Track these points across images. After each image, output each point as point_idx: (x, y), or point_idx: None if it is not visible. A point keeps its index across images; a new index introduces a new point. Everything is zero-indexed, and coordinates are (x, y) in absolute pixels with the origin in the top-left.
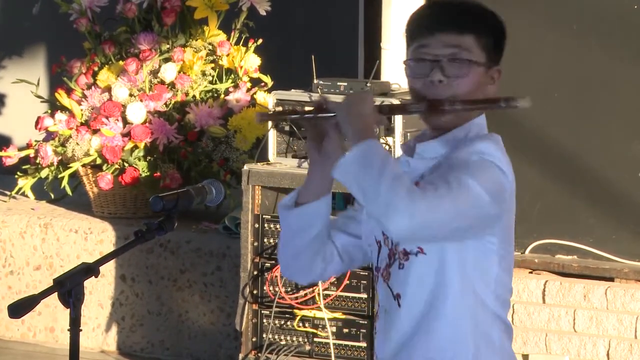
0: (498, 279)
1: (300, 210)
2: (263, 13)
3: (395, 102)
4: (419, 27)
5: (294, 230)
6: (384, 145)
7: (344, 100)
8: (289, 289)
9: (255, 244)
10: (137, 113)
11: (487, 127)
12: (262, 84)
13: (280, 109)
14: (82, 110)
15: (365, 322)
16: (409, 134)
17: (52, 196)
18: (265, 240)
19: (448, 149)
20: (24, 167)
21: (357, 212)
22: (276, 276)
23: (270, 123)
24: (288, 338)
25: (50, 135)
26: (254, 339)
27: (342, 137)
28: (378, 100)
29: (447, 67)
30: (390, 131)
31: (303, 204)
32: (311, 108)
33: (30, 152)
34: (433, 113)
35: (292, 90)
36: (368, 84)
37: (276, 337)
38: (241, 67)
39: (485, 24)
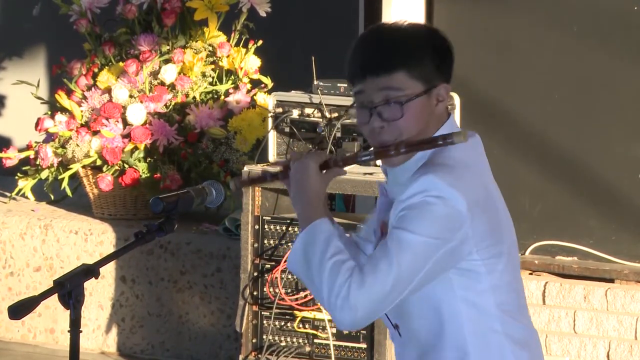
0: (495, 289)
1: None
2: (263, 14)
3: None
4: (353, 72)
5: None
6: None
7: (291, 171)
8: (289, 291)
9: (256, 245)
10: (137, 114)
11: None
12: (262, 85)
13: (280, 110)
14: (82, 111)
15: None
16: None
17: (52, 197)
18: (266, 241)
19: (407, 178)
20: (24, 168)
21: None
22: (276, 277)
23: (270, 124)
24: (288, 339)
25: (50, 137)
26: (254, 340)
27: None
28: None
29: (384, 111)
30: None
31: None
32: (277, 170)
33: (31, 154)
34: (381, 159)
35: (292, 91)
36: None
37: (276, 338)
38: (241, 69)
39: (414, 54)
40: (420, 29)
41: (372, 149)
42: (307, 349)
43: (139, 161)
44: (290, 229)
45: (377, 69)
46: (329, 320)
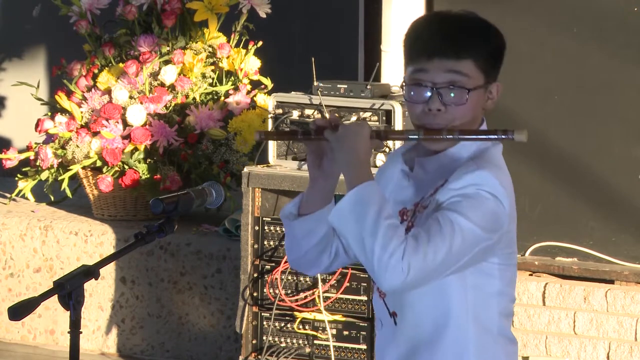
0: (502, 294)
1: (303, 220)
2: (263, 15)
3: (386, 108)
4: (417, 50)
5: (298, 237)
6: (385, 148)
7: (340, 131)
8: (289, 291)
9: (256, 246)
10: (137, 115)
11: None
12: (262, 86)
13: (280, 111)
14: (82, 112)
15: (366, 325)
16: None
17: (52, 198)
18: (266, 242)
19: (447, 166)
20: (24, 169)
21: None
22: (276, 278)
23: (270, 125)
24: (288, 340)
25: (50, 138)
26: (254, 341)
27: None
28: (375, 126)
29: (446, 95)
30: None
31: (306, 214)
32: (309, 129)
33: (30, 155)
34: (430, 141)
35: (292, 92)
36: (368, 86)
37: (276, 339)
38: (241, 70)
39: (484, 46)
40: (489, 24)
41: (419, 129)
42: (307, 350)
43: (139, 162)
44: None
45: (447, 51)
46: (329, 322)
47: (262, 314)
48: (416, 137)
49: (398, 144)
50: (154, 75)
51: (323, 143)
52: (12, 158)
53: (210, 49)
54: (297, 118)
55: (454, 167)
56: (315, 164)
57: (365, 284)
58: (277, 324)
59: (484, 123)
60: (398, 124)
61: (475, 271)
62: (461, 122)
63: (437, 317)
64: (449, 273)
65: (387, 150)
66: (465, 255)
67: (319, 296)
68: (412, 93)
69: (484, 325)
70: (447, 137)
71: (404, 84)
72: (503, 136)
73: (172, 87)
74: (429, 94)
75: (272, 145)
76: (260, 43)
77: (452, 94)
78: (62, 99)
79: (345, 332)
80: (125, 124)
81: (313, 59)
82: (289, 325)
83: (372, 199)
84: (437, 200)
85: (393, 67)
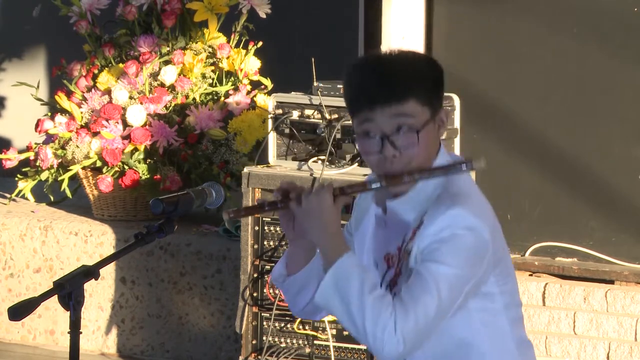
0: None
1: (293, 280)
2: (263, 16)
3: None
4: (359, 101)
5: (294, 294)
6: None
7: (304, 205)
8: None
9: (256, 246)
10: (137, 115)
11: (486, 129)
12: (262, 86)
13: (280, 111)
14: (82, 112)
15: None
16: None
17: (52, 199)
18: (265, 242)
19: (421, 203)
20: (24, 169)
21: (350, 239)
22: None
23: (270, 125)
24: (288, 340)
25: (50, 138)
26: (254, 342)
27: None
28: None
29: (397, 139)
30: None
31: (293, 273)
32: (275, 200)
33: (30, 155)
34: (393, 186)
35: (292, 92)
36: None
37: (276, 339)
38: (241, 70)
39: (422, 82)
40: (421, 57)
41: (379, 176)
42: (307, 350)
43: (139, 162)
44: None
45: (389, 97)
46: (329, 322)
47: (262, 314)
48: (379, 186)
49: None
50: (154, 75)
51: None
52: (12, 158)
53: (210, 49)
54: (297, 118)
55: (424, 203)
56: (289, 226)
57: None
58: (277, 324)
59: (441, 150)
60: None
61: (476, 297)
62: (417, 162)
63: (449, 349)
64: (451, 313)
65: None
66: (457, 299)
67: None
68: (363, 144)
69: (499, 339)
70: (407, 179)
71: (354, 137)
72: (460, 169)
73: (172, 88)
74: (380, 143)
75: (272, 146)
76: (260, 43)
77: (402, 138)
78: (62, 99)
79: (345, 332)
80: (125, 124)
81: (313, 59)
82: (289, 325)
83: (352, 275)
84: (417, 247)
85: None
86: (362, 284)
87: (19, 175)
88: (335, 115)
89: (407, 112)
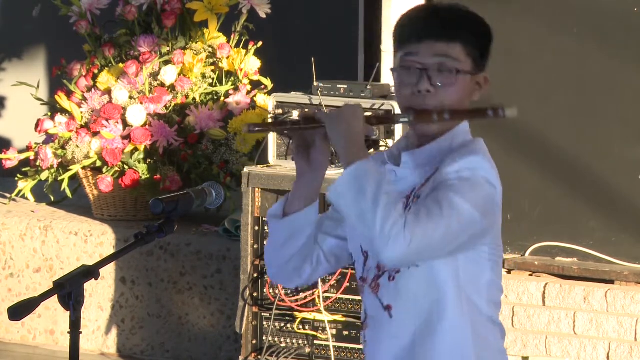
0: (491, 284)
1: (289, 220)
2: (263, 16)
3: (386, 108)
4: (408, 34)
5: (283, 239)
6: (383, 147)
7: (334, 112)
8: (289, 292)
9: (256, 246)
10: (137, 115)
11: (486, 129)
12: (262, 86)
13: (280, 111)
14: (82, 112)
15: None
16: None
17: (52, 199)
18: (265, 242)
19: (435, 158)
20: (24, 169)
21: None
22: None
23: None
24: (288, 340)
25: (50, 138)
26: (254, 342)
27: (329, 147)
28: (367, 110)
29: (435, 76)
30: (390, 134)
31: (291, 213)
32: (298, 119)
33: (30, 155)
34: (420, 123)
35: (292, 92)
36: (368, 87)
37: (276, 339)
38: (241, 70)
39: (472, 32)
40: (480, 17)
41: (409, 111)
42: (307, 350)
43: (139, 162)
44: None
45: (437, 33)
46: (329, 322)
47: (262, 314)
48: (406, 120)
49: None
50: (154, 75)
51: (309, 134)
52: (12, 158)
53: (210, 49)
54: (297, 118)
55: (441, 158)
56: (303, 156)
57: None
58: (277, 324)
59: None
60: (398, 125)
61: (467, 260)
62: (450, 104)
63: (434, 303)
64: (445, 254)
65: (375, 134)
66: (461, 236)
67: (318, 296)
68: (402, 76)
69: (477, 308)
70: (437, 118)
71: (393, 69)
72: (494, 113)
73: (172, 88)
74: (419, 75)
75: (272, 146)
76: (260, 43)
77: (441, 76)
78: (62, 99)
79: (345, 332)
80: (125, 124)
81: (313, 59)
82: (289, 325)
83: (371, 174)
84: (434, 182)
85: None
86: (379, 183)
87: (19, 175)
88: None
89: (451, 53)
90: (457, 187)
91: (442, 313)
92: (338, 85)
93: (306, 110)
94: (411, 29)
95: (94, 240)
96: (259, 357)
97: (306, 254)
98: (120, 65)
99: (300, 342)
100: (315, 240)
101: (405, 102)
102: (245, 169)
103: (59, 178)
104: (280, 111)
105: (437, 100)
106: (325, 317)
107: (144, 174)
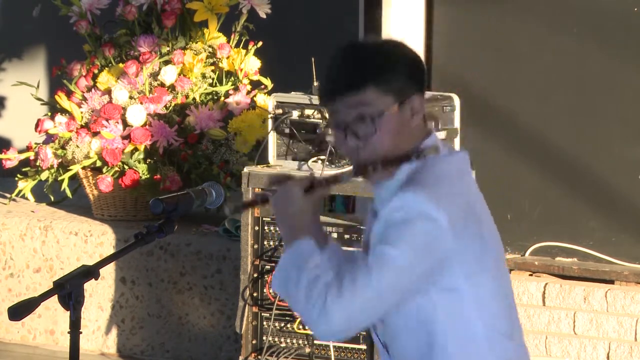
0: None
1: None
2: (263, 16)
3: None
4: (322, 96)
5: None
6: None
7: (273, 199)
8: None
9: (256, 246)
10: (137, 115)
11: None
12: (262, 86)
13: (280, 111)
14: (82, 112)
15: None
16: None
17: (52, 199)
18: (265, 242)
19: (386, 198)
20: (24, 169)
21: None
22: None
23: (270, 125)
24: (288, 340)
25: (50, 138)
26: (254, 342)
27: (317, 202)
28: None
29: (357, 130)
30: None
31: None
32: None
33: (30, 155)
34: (363, 177)
35: (292, 92)
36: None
37: (276, 339)
38: (241, 70)
39: (382, 68)
40: (388, 43)
41: (351, 168)
42: (307, 350)
43: (139, 162)
44: None
45: (345, 87)
46: None
47: (262, 314)
48: (348, 178)
49: None
50: (154, 75)
51: None
52: (12, 158)
53: (210, 49)
54: (297, 118)
55: (395, 190)
56: None
57: None
58: (277, 324)
59: (432, 136)
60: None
61: (441, 292)
62: (383, 150)
63: (420, 344)
64: (394, 306)
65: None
66: (402, 286)
67: None
68: (335, 137)
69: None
70: (371, 169)
71: (327, 130)
72: (415, 157)
73: (172, 88)
74: (343, 134)
75: (272, 146)
76: (260, 43)
77: (363, 127)
78: (62, 99)
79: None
80: (125, 124)
81: (313, 59)
82: (289, 325)
83: (297, 259)
84: (375, 231)
85: None
86: (303, 265)
87: (19, 175)
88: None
89: (365, 100)
90: (387, 236)
91: (437, 346)
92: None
93: (278, 176)
94: (323, 89)
95: (94, 240)
96: (259, 357)
97: None
98: (120, 65)
99: (300, 342)
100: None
101: (349, 158)
102: (245, 169)
103: (59, 178)
104: (280, 111)
105: (369, 152)
106: None
107: (144, 174)
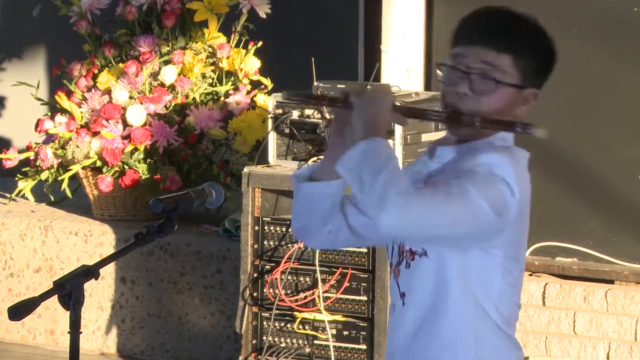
0: (501, 292)
1: (310, 185)
2: (263, 16)
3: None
4: (462, 34)
5: (302, 202)
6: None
7: (364, 99)
8: (289, 292)
9: (256, 246)
10: (137, 115)
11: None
12: (262, 86)
13: (280, 111)
14: (82, 112)
15: (366, 325)
16: (408, 137)
17: (52, 198)
18: (265, 242)
19: (467, 156)
20: (24, 169)
21: None
22: (276, 278)
23: (270, 125)
24: (288, 340)
25: (50, 138)
26: (254, 342)
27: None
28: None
29: (476, 82)
30: (390, 133)
31: (317, 180)
32: (337, 96)
33: (30, 155)
34: (452, 124)
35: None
36: (368, 87)
37: (276, 339)
38: (241, 70)
39: (528, 45)
40: (542, 27)
41: (445, 109)
42: (307, 350)
43: (139, 162)
44: (290, 230)
45: (488, 41)
46: (329, 322)
47: (262, 314)
48: (438, 117)
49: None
50: (154, 75)
51: (347, 113)
52: (12, 158)
53: (210, 49)
54: (297, 118)
55: (470, 152)
56: (339, 130)
57: (365, 284)
58: (277, 324)
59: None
60: (398, 127)
61: (478, 256)
62: (485, 112)
63: (438, 298)
64: (448, 239)
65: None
66: (469, 224)
67: (318, 296)
68: (445, 74)
69: (483, 310)
70: (467, 122)
71: (441, 63)
72: (522, 128)
73: (172, 87)
74: (460, 77)
75: (272, 146)
76: (260, 43)
77: (482, 82)
78: (62, 99)
79: (345, 332)
80: (125, 124)
81: (313, 59)
82: (289, 325)
83: (383, 148)
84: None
85: (393, 67)
86: (390, 155)
87: (19, 175)
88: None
89: (498, 63)
90: (472, 177)
91: (445, 309)
92: (338, 85)
93: (346, 89)
94: (466, 30)
95: (94, 240)
96: (259, 357)
97: (326, 219)
98: (120, 65)
99: (300, 342)
100: (340, 208)
101: (444, 100)
102: (245, 169)
103: (59, 178)
104: (280, 111)
105: (473, 105)
106: (325, 317)
107: (144, 174)
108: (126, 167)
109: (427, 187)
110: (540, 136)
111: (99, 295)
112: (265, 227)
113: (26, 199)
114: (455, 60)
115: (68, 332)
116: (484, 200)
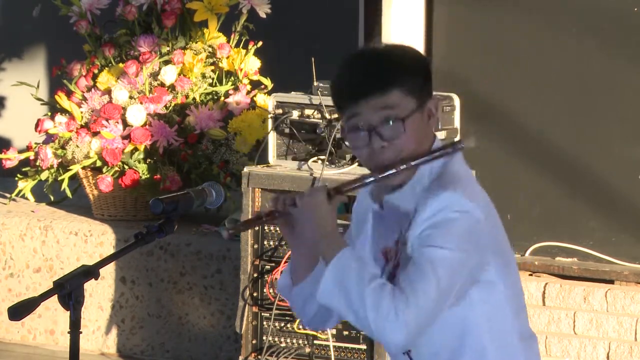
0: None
1: (300, 288)
2: (263, 15)
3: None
4: (343, 98)
5: (301, 304)
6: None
7: (300, 200)
8: None
9: (256, 246)
10: (137, 115)
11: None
12: (262, 86)
13: (280, 111)
14: (82, 112)
15: None
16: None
17: (52, 198)
18: (265, 242)
19: (414, 197)
20: (24, 169)
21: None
22: (276, 278)
23: (270, 125)
24: (288, 340)
25: (50, 138)
26: (254, 342)
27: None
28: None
29: (384, 131)
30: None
31: (298, 283)
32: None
33: (30, 155)
34: (388, 179)
35: (292, 92)
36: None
37: (276, 339)
38: (241, 70)
39: (406, 72)
40: (403, 48)
41: (372, 170)
42: (307, 350)
43: (139, 162)
44: None
45: (371, 89)
46: None
47: (262, 314)
48: (373, 179)
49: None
50: (154, 75)
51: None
52: (12, 158)
53: (210, 49)
54: (297, 118)
55: (420, 193)
56: (290, 234)
57: None
58: (277, 324)
59: (436, 140)
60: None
61: (477, 285)
62: (407, 151)
63: (452, 340)
64: (448, 305)
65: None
66: (457, 282)
67: None
68: (352, 139)
69: (500, 333)
70: (401, 168)
71: (343, 134)
72: (452, 149)
73: (172, 87)
74: (367, 136)
75: (272, 146)
76: (260, 43)
77: (389, 129)
78: (62, 99)
79: (345, 332)
80: (125, 124)
81: (313, 59)
82: (289, 325)
83: (350, 268)
84: (413, 235)
85: None
86: (360, 275)
87: (19, 175)
88: (335, 115)
89: (391, 103)
90: (432, 238)
91: (462, 348)
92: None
93: (277, 198)
94: (344, 92)
95: (94, 240)
96: (259, 357)
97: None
98: (120, 65)
99: (300, 342)
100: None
101: (366, 163)
102: (245, 169)
103: (59, 178)
104: (280, 111)
105: (394, 153)
106: None
107: (144, 174)
108: (126, 167)
109: (404, 287)
110: (471, 145)
111: (99, 295)
112: (266, 227)
113: (26, 199)
114: (353, 123)
115: (68, 332)
116: (456, 251)
